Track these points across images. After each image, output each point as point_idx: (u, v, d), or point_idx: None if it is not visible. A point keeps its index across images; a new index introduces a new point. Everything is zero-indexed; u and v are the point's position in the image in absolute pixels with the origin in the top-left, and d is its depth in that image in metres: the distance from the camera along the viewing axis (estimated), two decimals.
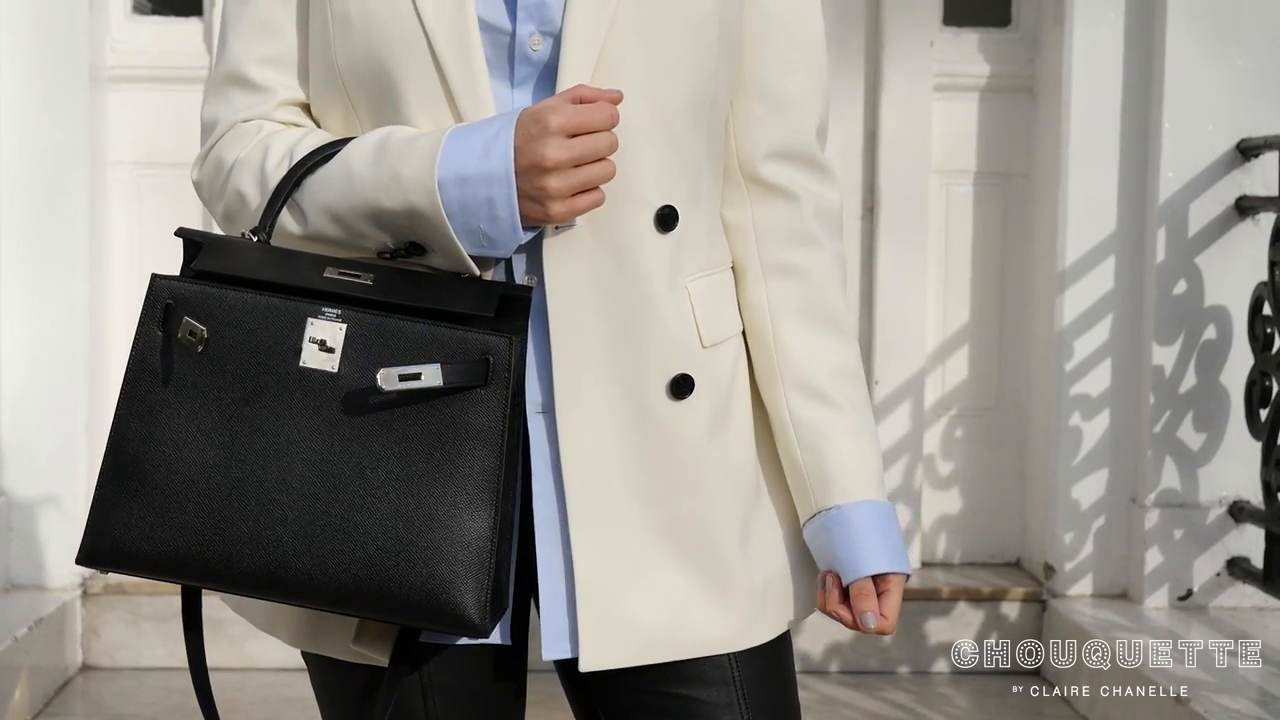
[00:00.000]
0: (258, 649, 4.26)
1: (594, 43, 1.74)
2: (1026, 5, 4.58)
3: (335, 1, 1.75)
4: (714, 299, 1.82)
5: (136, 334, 1.68)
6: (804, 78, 1.84)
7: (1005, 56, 4.59)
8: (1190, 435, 4.17)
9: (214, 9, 4.52)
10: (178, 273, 1.71)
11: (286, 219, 1.73)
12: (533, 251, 1.75)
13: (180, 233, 1.72)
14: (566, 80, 1.72)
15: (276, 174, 1.74)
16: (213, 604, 1.88)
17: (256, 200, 1.75)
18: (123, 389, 1.67)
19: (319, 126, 1.81)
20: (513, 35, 1.75)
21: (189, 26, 4.59)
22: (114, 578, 4.39)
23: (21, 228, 4.29)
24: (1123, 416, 4.27)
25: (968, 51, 4.57)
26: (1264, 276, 3.93)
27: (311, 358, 1.65)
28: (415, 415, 1.65)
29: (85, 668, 4.37)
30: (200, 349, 1.65)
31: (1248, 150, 4.05)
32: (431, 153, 1.67)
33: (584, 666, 1.75)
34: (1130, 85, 4.23)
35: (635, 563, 1.76)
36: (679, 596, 1.77)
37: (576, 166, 1.66)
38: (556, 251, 1.74)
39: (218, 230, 1.79)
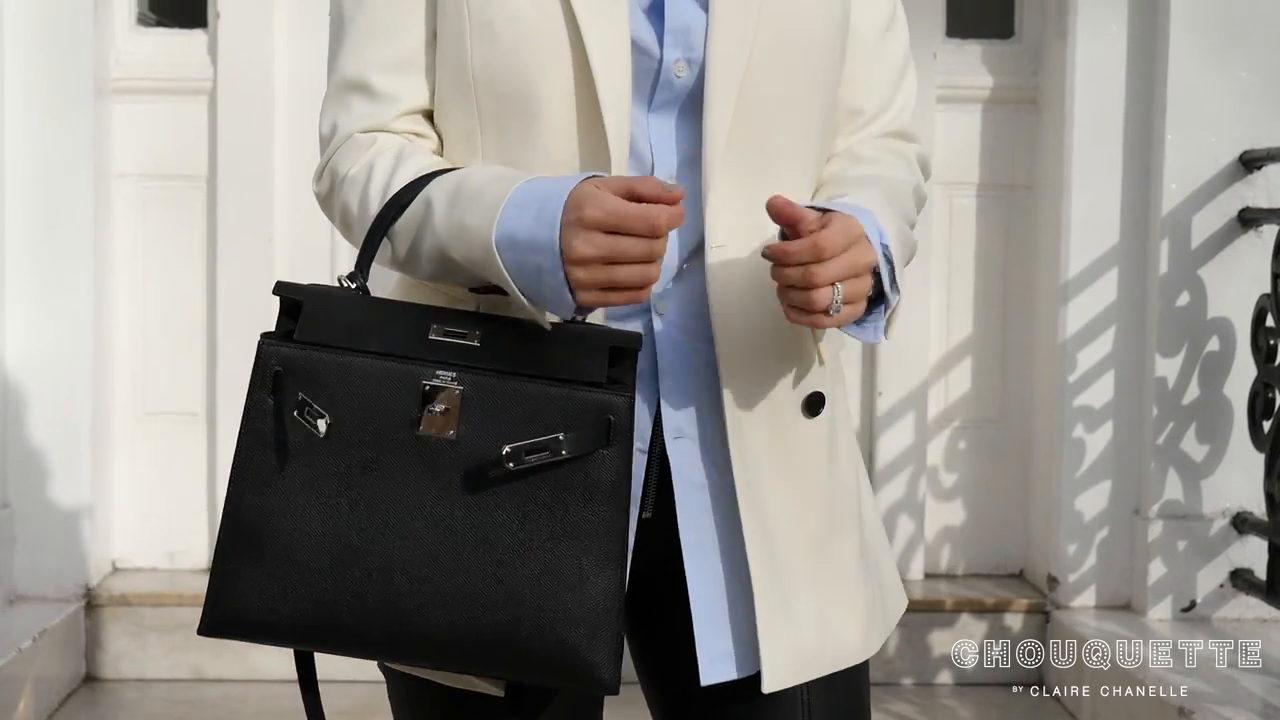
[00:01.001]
0: (261, 660, 4.27)
1: (735, 72, 1.75)
2: (1029, 17, 4.59)
3: (475, 7, 1.74)
4: None
5: (248, 401, 1.65)
6: (882, 93, 1.90)
7: (1008, 68, 4.59)
8: (1193, 447, 4.17)
9: (218, 21, 4.52)
10: (275, 327, 1.69)
11: (383, 252, 1.72)
12: (679, 276, 1.77)
13: (279, 289, 1.69)
14: (713, 108, 1.74)
15: (374, 203, 1.72)
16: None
17: (357, 228, 1.75)
18: (236, 457, 1.65)
19: (439, 134, 1.79)
20: (660, 60, 1.76)
21: (193, 38, 4.59)
22: (118, 588, 4.39)
23: (26, 239, 4.30)
24: (1126, 428, 4.27)
25: (971, 63, 4.58)
26: (1267, 288, 3.93)
27: (428, 424, 1.63)
28: (536, 477, 1.63)
29: (89, 679, 4.37)
30: (324, 433, 1.62)
31: (1250, 162, 4.05)
32: (493, 209, 1.65)
33: (768, 687, 1.76)
34: (1133, 97, 4.23)
35: (794, 581, 1.78)
36: (824, 610, 1.79)
37: (607, 263, 1.61)
38: (716, 270, 1.75)
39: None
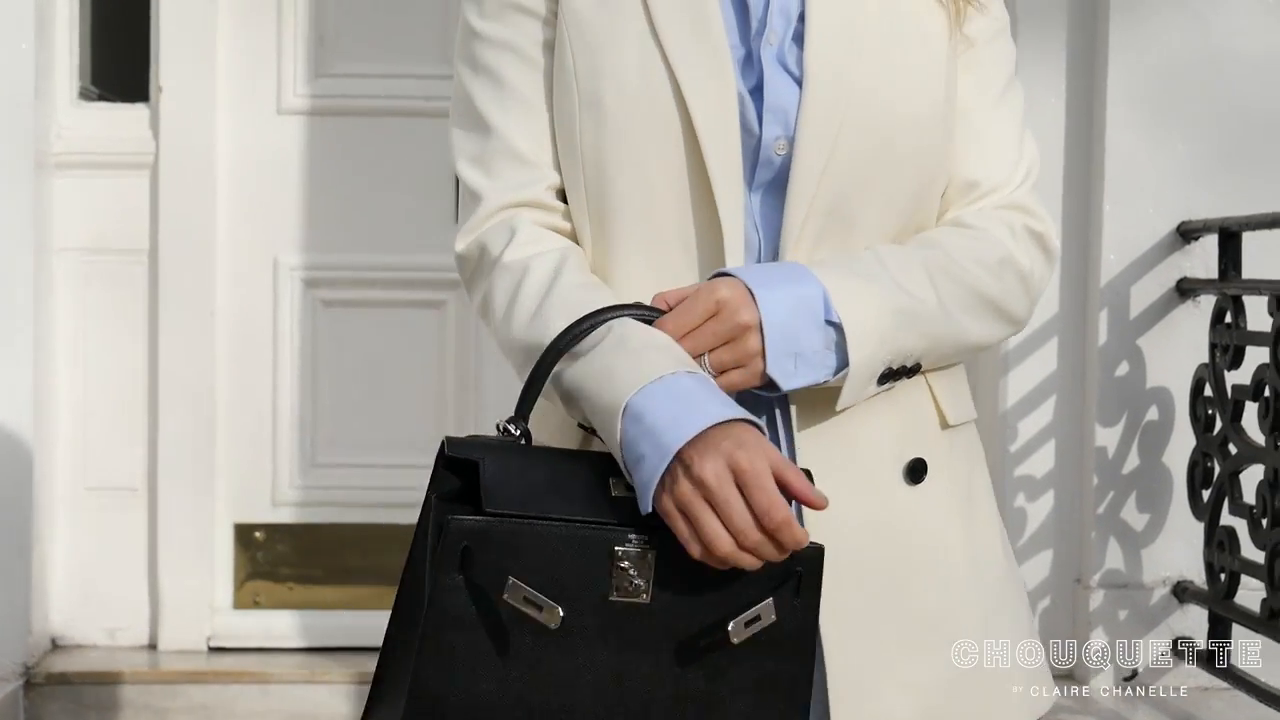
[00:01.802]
0: None
1: (823, 148, 1.77)
2: None
3: (585, 84, 1.79)
4: (953, 378, 1.85)
5: (431, 579, 1.60)
6: (997, 167, 1.89)
7: None
8: (1134, 516, 4.19)
9: (160, 95, 4.52)
10: (433, 479, 1.66)
11: (510, 343, 1.77)
12: None
13: (452, 449, 1.64)
14: (796, 183, 1.76)
15: (521, 315, 1.74)
16: None
17: (498, 329, 1.77)
18: (422, 631, 1.61)
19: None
20: (759, 138, 1.79)
21: (135, 113, 4.59)
22: (57, 666, 4.35)
23: None
24: (1067, 497, 4.29)
25: None
26: (1205, 358, 3.96)
27: (621, 590, 1.60)
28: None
29: None
30: (554, 627, 1.59)
31: (1188, 233, 4.09)
32: (642, 377, 1.64)
33: None
34: (1071, 169, 4.27)
35: (885, 655, 1.76)
36: (929, 687, 1.77)
37: (708, 502, 1.58)
38: None
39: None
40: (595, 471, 1.64)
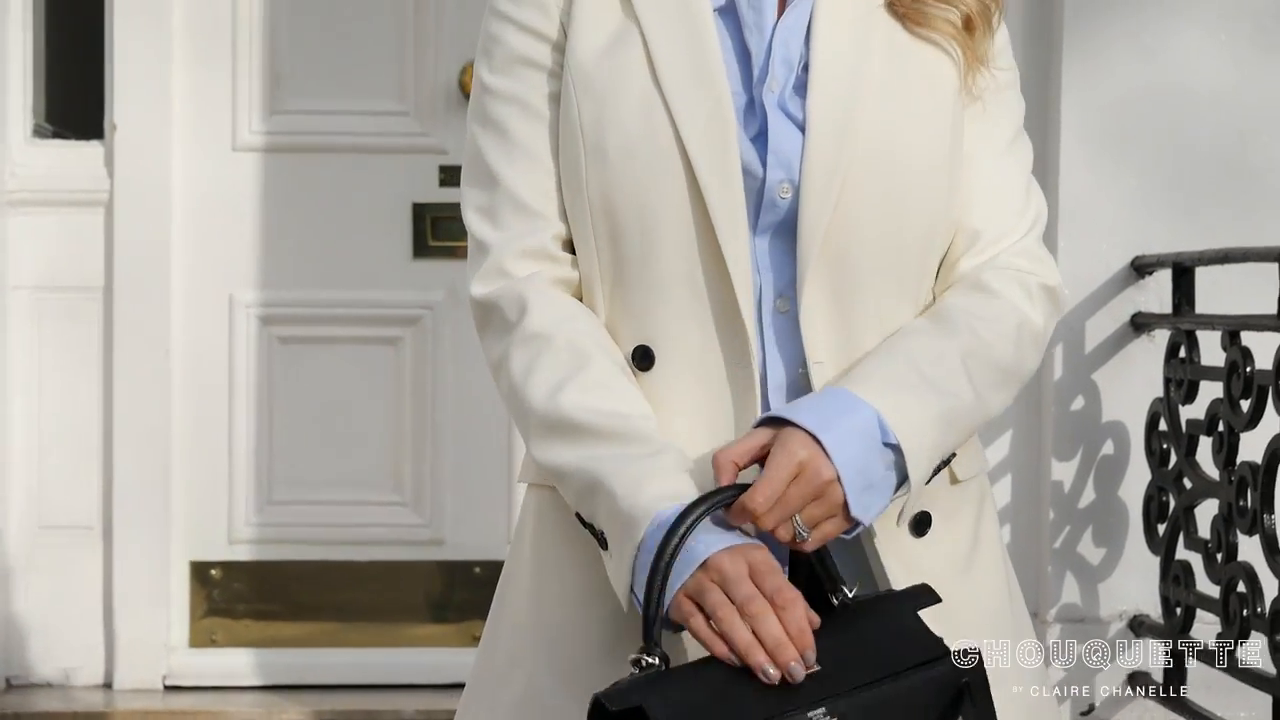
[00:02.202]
0: None
1: (830, 193, 1.80)
2: None
3: (589, 133, 1.82)
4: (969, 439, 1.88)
5: None
6: (1002, 216, 1.91)
7: None
8: (1090, 550, 4.19)
9: (114, 133, 4.51)
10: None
11: (536, 429, 1.80)
12: (795, 393, 1.82)
13: (609, 702, 1.63)
14: (805, 228, 1.79)
15: (540, 390, 1.77)
16: None
17: (518, 403, 1.80)
18: None
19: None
20: (763, 181, 1.82)
21: (90, 150, 4.58)
22: (11, 706, 4.32)
23: None
24: (1023, 531, 4.29)
25: None
26: (1160, 392, 3.98)
27: None
28: None
29: None
30: None
31: (1142, 268, 4.11)
32: (659, 500, 1.70)
33: None
34: None
35: None
36: None
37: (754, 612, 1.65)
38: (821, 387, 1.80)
39: None
40: (733, 667, 1.66)
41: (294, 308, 4.62)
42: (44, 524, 4.57)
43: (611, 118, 1.82)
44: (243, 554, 4.65)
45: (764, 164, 1.82)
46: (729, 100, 1.82)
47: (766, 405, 1.82)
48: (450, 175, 4.59)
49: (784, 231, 1.82)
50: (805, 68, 1.84)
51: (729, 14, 1.87)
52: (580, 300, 1.87)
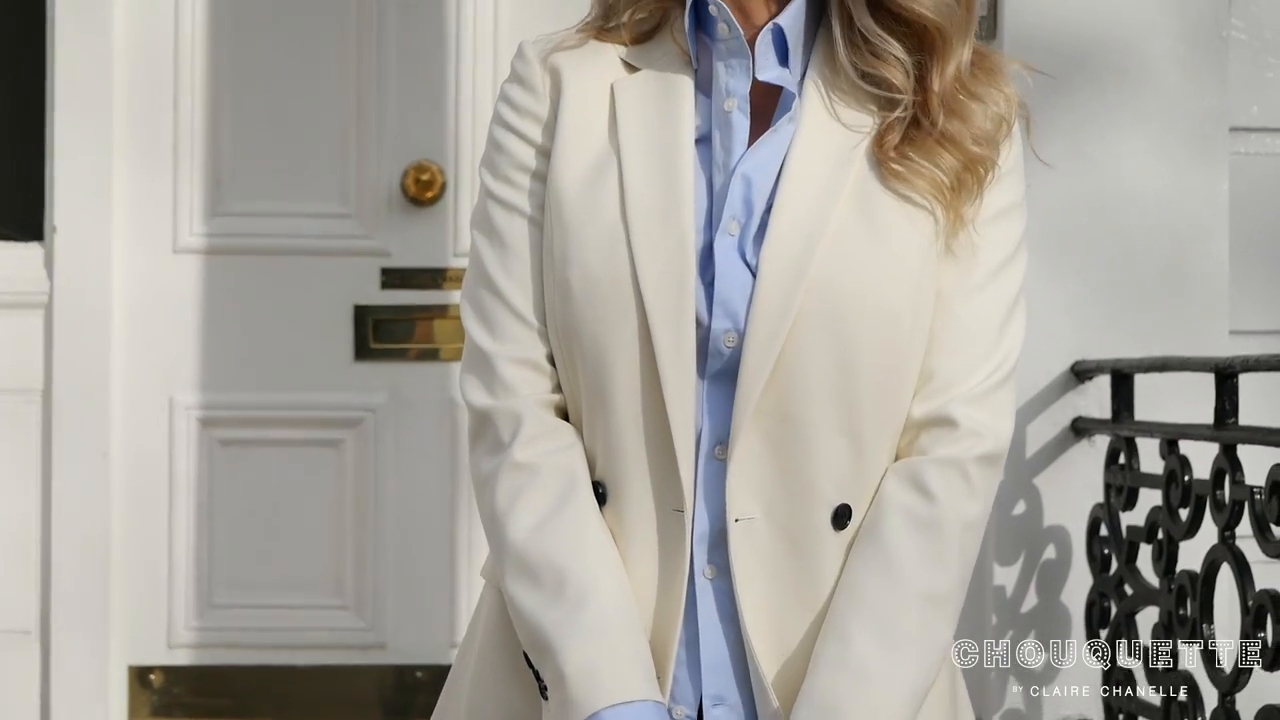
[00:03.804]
0: None
1: (774, 341, 1.78)
2: None
3: (557, 264, 1.83)
4: None
5: None
6: (960, 359, 1.91)
7: None
8: (1033, 655, 4.18)
9: (54, 235, 4.50)
10: None
11: (516, 577, 1.82)
12: (716, 544, 1.82)
13: None
14: (745, 377, 1.79)
15: (521, 527, 1.81)
16: None
17: (498, 531, 1.83)
18: None
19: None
20: (709, 329, 1.81)
21: (29, 251, 4.56)
22: None
23: None
24: (966, 636, 4.27)
25: None
26: (1100, 498, 3.98)
27: None
28: None
29: None
30: None
31: (1082, 373, 4.11)
32: (621, 694, 1.74)
33: None
34: None
35: None
36: None
37: None
38: (739, 542, 1.80)
39: None
40: None
41: (235, 410, 4.60)
42: None
43: (576, 252, 1.82)
44: (183, 658, 4.61)
45: (710, 312, 1.81)
46: (691, 243, 1.80)
47: (692, 557, 1.81)
48: (392, 278, 4.58)
49: (727, 379, 1.81)
50: (769, 209, 1.83)
51: (705, 145, 1.87)
52: (567, 417, 1.89)
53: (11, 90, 4.67)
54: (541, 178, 1.89)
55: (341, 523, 4.60)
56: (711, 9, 1.87)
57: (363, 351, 4.61)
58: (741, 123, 1.86)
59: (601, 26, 1.93)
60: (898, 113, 1.86)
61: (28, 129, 4.60)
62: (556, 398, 1.88)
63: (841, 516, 1.82)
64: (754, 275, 1.80)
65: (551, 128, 1.89)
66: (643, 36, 1.91)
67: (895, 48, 1.86)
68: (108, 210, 4.53)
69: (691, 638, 1.83)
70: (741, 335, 1.80)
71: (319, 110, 4.61)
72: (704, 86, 1.89)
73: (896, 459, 1.86)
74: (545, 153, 1.89)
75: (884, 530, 1.82)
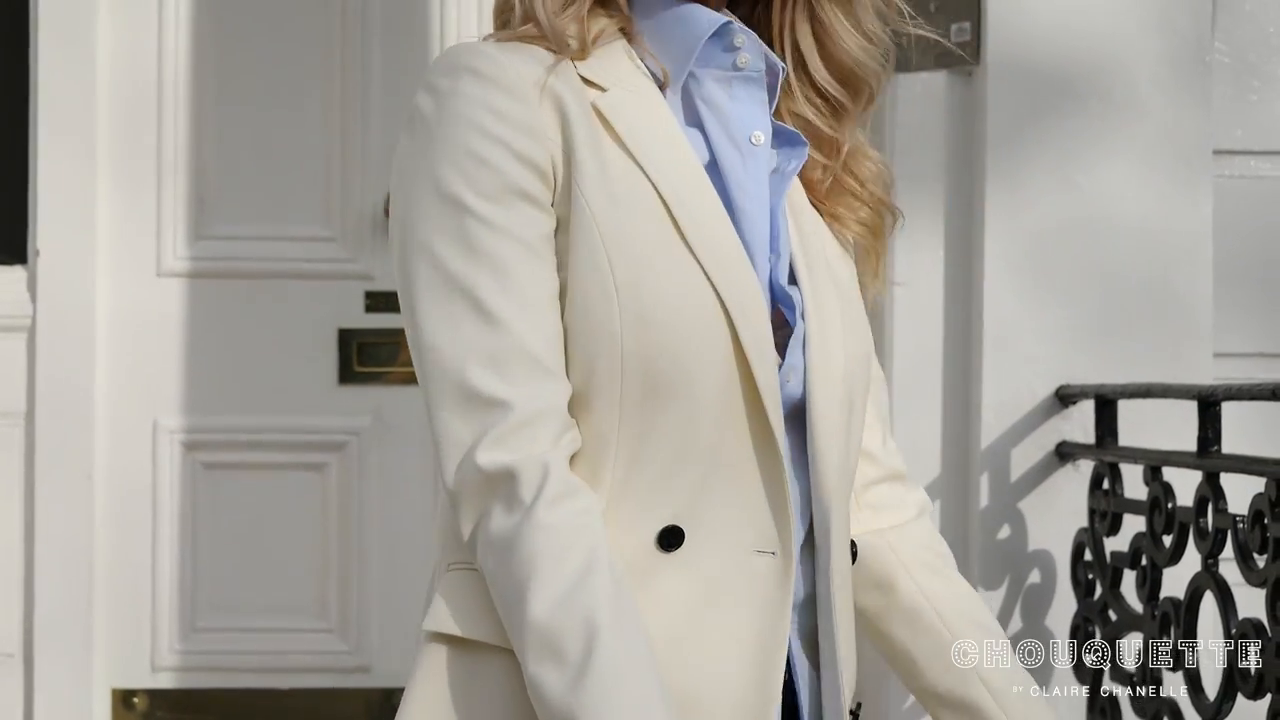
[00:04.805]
0: None
1: (837, 388, 1.82)
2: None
3: (626, 296, 1.69)
4: None
5: None
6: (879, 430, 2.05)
7: None
8: None
9: (37, 258, 4.49)
10: None
11: (514, 609, 1.66)
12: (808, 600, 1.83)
13: None
14: (819, 417, 1.80)
15: (547, 597, 1.62)
16: None
17: (516, 599, 1.63)
18: None
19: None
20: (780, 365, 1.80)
21: (12, 275, 4.55)
22: None
23: None
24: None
25: None
26: (1085, 522, 3.98)
27: None
28: None
29: None
30: None
31: (1066, 397, 4.11)
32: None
33: None
34: (950, 330, 4.29)
35: None
36: None
37: None
38: (837, 592, 1.83)
39: None
40: None
41: (218, 433, 4.59)
42: None
43: (652, 282, 1.69)
44: (166, 681, 4.60)
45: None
46: (754, 274, 1.76)
47: (796, 604, 1.81)
48: (376, 301, 4.58)
49: (789, 417, 1.79)
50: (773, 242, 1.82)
51: (713, 171, 1.81)
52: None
53: None
54: (540, 205, 1.71)
55: (326, 546, 4.60)
56: (739, 39, 1.82)
57: (347, 375, 4.61)
58: (767, 156, 1.83)
59: (536, 36, 1.78)
60: (823, 160, 1.90)
61: (11, 152, 4.59)
62: (575, 448, 1.71)
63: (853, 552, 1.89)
64: (803, 318, 1.79)
65: (558, 144, 1.72)
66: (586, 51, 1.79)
67: (844, 96, 1.92)
68: (91, 233, 4.53)
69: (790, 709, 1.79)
70: (803, 374, 1.79)
71: (303, 133, 4.60)
72: (688, 111, 1.83)
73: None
74: (541, 173, 1.71)
75: (958, 575, 2.07)
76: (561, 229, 1.72)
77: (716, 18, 1.81)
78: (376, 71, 4.61)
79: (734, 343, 1.72)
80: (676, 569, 1.72)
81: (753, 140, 1.81)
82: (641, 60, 1.81)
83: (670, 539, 1.71)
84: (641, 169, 1.74)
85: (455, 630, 1.71)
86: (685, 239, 1.72)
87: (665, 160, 1.75)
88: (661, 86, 1.81)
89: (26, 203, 4.54)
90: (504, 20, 1.83)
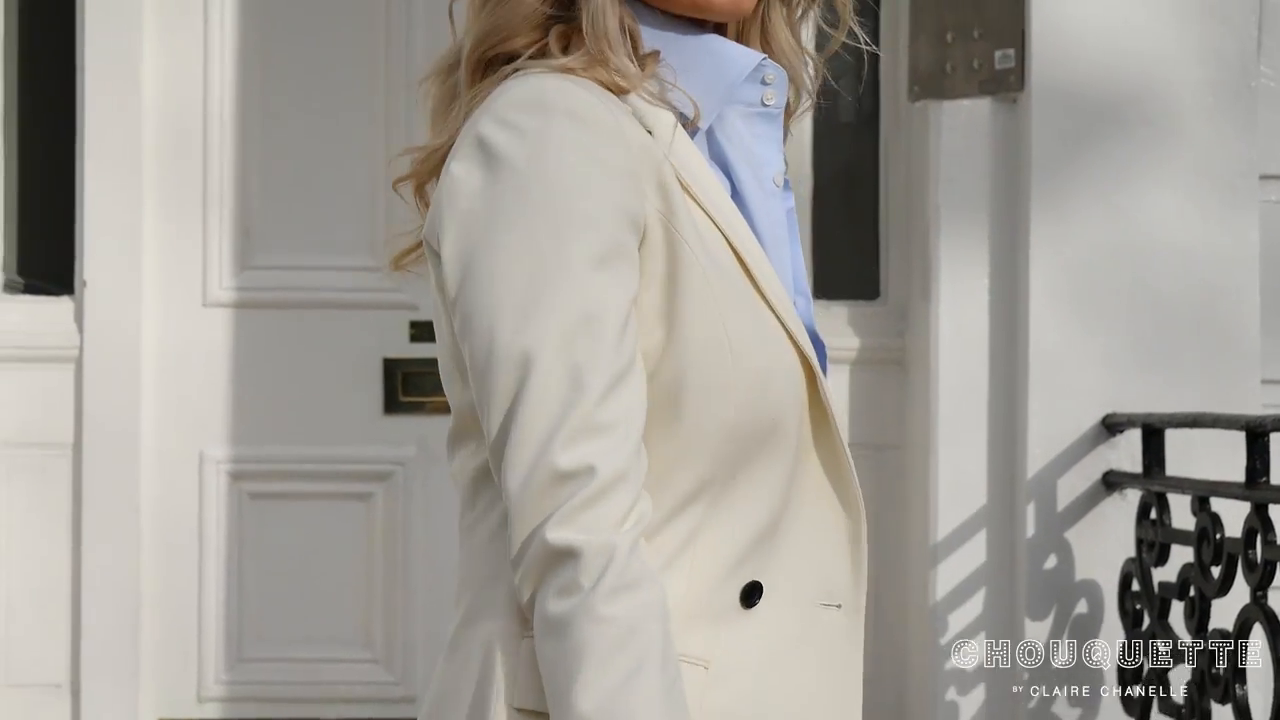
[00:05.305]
0: None
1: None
2: (895, 279, 4.65)
3: (739, 352, 1.63)
4: None
5: None
6: None
7: (874, 329, 4.64)
8: (1065, 710, 4.15)
9: (85, 289, 4.51)
10: None
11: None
12: None
13: None
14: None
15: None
16: None
17: (556, 689, 1.55)
18: None
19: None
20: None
21: (60, 306, 4.57)
22: None
23: None
24: (998, 691, 4.26)
25: (838, 325, 4.62)
26: (1132, 552, 3.96)
27: None
28: None
29: None
30: None
31: (1113, 426, 4.09)
32: None
33: None
34: (996, 359, 4.28)
35: None
36: None
37: None
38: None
39: None
40: None
41: (264, 463, 4.60)
42: (11, 681, 4.53)
43: (752, 339, 1.64)
44: (212, 711, 4.60)
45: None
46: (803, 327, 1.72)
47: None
48: (421, 330, 4.59)
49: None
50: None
51: (741, 211, 1.75)
52: None
53: (43, 146, 4.69)
54: (633, 261, 1.61)
55: (371, 576, 4.60)
56: (770, 76, 1.75)
57: (392, 404, 4.61)
58: (783, 197, 1.78)
59: (584, 68, 1.66)
60: None
61: (58, 183, 4.61)
62: (646, 524, 1.61)
63: None
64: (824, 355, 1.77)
65: (652, 194, 1.62)
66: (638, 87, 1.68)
67: None
68: (137, 264, 4.54)
69: None
70: None
71: (347, 163, 4.61)
72: (711, 146, 1.75)
73: None
74: (638, 227, 1.61)
75: None
76: (654, 283, 1.63)
77: (752, 55, 1.74)
78: (421, 101, 4.60)
79: (810, 392, 1.69)
80: (757, 624, 1.68)
81: (775, 182, 1.76)
82: (664, 92, 1.70)
83: (752, 594, 1.68)
84: (711, 219, 1.67)
85: (543, 709, 1.63)
86: (760, 291, 1.67)
87: (724, 208, 1.69)
88: (689, 121, 1.71)
89: (73, 234, 4.56)
90: (493, 44, 1.71)
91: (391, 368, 4.62)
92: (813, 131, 4.62)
